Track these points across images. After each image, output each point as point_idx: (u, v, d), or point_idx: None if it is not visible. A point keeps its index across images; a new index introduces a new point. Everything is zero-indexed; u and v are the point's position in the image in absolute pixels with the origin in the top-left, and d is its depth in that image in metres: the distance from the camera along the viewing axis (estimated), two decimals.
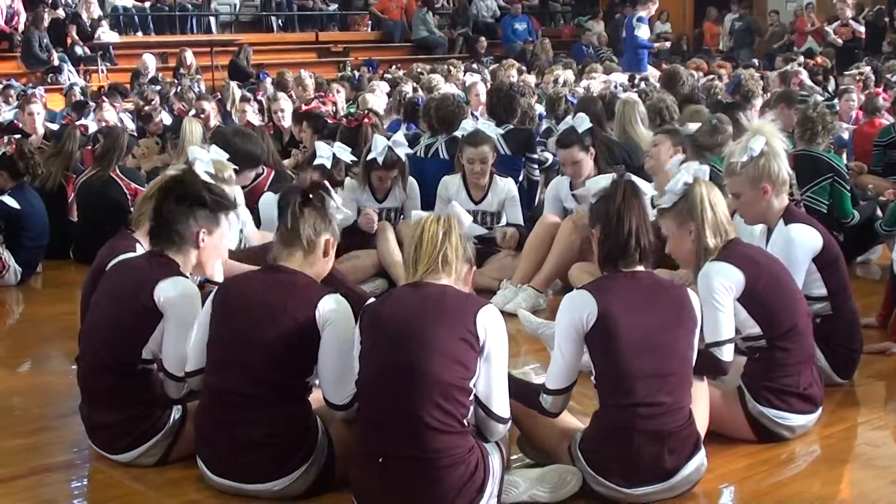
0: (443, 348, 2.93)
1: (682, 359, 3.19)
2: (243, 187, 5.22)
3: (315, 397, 3.32)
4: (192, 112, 8.75)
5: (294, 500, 3.22)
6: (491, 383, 3.00)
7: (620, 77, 10.20)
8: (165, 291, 3.41)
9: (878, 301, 4.84)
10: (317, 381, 3.28)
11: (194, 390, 3.43)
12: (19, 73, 13.96)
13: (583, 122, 5.69)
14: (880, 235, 5.92)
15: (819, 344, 3.82)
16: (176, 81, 13.18)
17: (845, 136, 8.00)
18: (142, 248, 3.95)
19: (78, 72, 14.53)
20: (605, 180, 3.36)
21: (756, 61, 13.98)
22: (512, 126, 6.82)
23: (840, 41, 15.72)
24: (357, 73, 13.73)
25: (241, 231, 5.17)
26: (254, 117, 8.85)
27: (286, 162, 7.50)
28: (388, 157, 5.74)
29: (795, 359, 3.58)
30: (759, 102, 8.31)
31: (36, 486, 3.46)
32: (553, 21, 21.00)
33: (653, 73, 11.66)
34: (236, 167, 4.82)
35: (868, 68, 11.15)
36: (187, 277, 3.53)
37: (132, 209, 4.75)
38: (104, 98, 10.22)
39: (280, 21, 18.32)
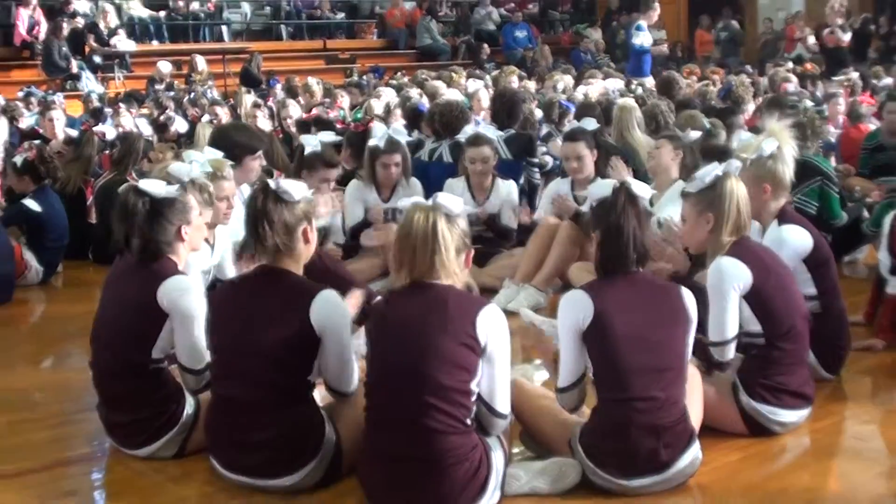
0: (445, 354, 2.96)
1: (677, 355, 3.22)
2: (251, 184, 5.29)
3: (320, 394, 3.36)
4: (206, 117, 8.88)
5: (306, 493, 3.26)
6: (493, 382, 3.05)
7: (618, 83, 10.25)
8: (168, 293, 3.44)
9: (864, 299, 4.87)
10: (319, 379, 3.32)
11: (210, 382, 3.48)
12: (39, 80, 14.09)
13: (590, 123, 5.93)
14: (867, 236, 5.91)
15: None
16: (188, 87, 13.28)
17: (833, 140, 7.98)
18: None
19: (96, 79, 14.65)
20: (606, 187, 3.39)
21: (749, 67, 13.99)
22: (513, 130, 6.91)
23: (817, 49, 15.77)
24: (364, 79, 13.82)
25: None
26: (265, 123, 8.91)
27: None
28: (389, 141, 5.95)
29: (791, 359, 3.63)
30: (750, 108, 8.34)
31: (58, 479, 3.54)
32: (552, 29, 21.02)
33: (648, 80, 11.70)
34: (233, 162, 4.72)
35: (856, 74, 11.12)
36: (185, 274, 3.56)
37: None
38: (121, 104, 10.33)
39: (289, 30, 18.52)
